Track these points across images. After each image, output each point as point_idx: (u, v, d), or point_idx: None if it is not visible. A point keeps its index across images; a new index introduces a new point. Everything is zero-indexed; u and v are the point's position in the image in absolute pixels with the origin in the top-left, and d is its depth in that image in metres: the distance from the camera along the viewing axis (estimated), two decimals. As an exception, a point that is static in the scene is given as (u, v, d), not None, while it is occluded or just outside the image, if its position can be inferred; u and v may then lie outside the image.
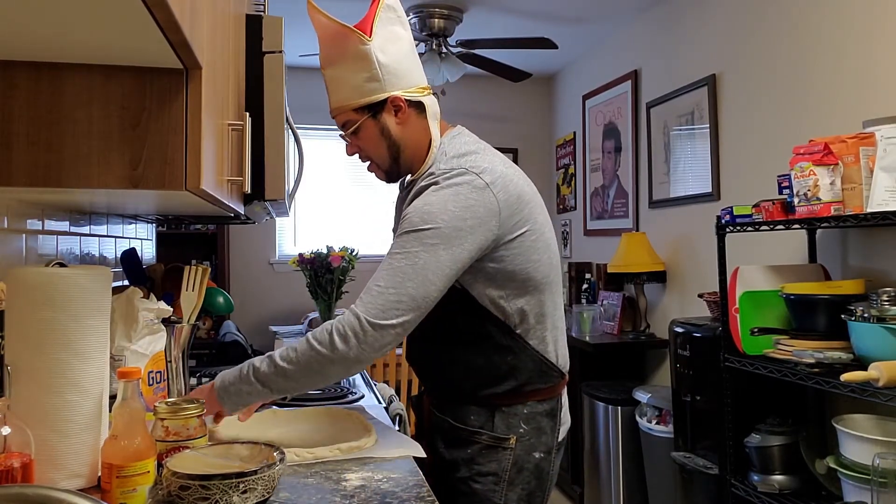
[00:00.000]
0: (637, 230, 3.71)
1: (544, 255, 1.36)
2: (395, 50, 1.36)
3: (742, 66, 2.86)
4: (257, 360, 1.24)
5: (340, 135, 1.43)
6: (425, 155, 1.39)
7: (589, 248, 4.33)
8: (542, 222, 1.37)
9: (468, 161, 1.31)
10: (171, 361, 1.43)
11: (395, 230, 1.47)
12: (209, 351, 3.70)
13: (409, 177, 1.44)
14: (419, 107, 1.39)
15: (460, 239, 1.23)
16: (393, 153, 1.39)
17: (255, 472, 1.00)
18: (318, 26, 1.37)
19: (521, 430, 1.36)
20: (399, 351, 3.35)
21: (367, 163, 1.43)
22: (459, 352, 1.36)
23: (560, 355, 1.42)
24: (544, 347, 1.37)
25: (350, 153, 1.44)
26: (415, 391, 3.19)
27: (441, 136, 1.41)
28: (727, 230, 2.32)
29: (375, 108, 1.35)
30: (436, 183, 1.29)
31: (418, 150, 1.39)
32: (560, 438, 1.42)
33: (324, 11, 1.35)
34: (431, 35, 3.63)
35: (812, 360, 1.87)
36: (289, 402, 1.73)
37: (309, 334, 1.23)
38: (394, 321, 1.19)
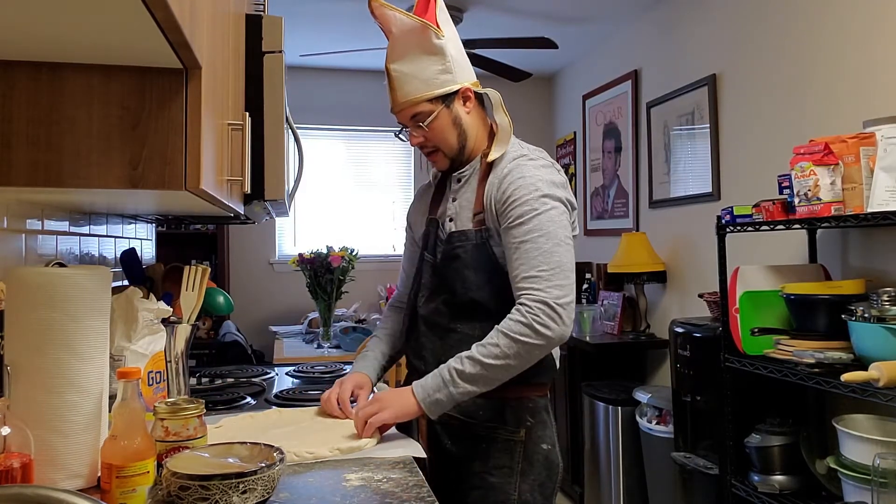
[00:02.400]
0: (637, 230, 3.71)
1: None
2: (457, 46, 1.47)
3: (742, 66, 2.86)
4: (455, 363, 1.31)
5: (398, 130, 1.54)
6: (486, 142, 1.50)
7: (589, 248, 4.33)
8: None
9: (547, 155, 1.48)
10: (170, 361, 1.43)
11: (433, 218, 1.55)
12: (209, 351, 3.71)
13: (474, 162, 1.52)
14: (479, 99, 1.51)
15: (567, 216, 1.40)
16: (461, 141, 1.49)
17: (255, 472, 1.00)
18: (393, 23, 1.44)
19: (529, 423, 1.42)
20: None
21: (431, 152, 1.51)
22: (475, 337, 1.39)
23: (557, 356, 1.49)
24: None
25: (415, 143, 1.50)
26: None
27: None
28: (727, 230, 2.32)
29: (448, 99, 1.45)
30: (532, 159, 1.42)
31: (480, 138, 1.51)
32: (556, 434, 1.49)
33: (398, 8, 1.43)
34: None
35: (812, 361, 1.87)
36: (289, 402, 1.73)
37: (505, 330, 1.31)
38: (571, 294, 1.32)
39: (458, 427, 1.42)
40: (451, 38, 1.45)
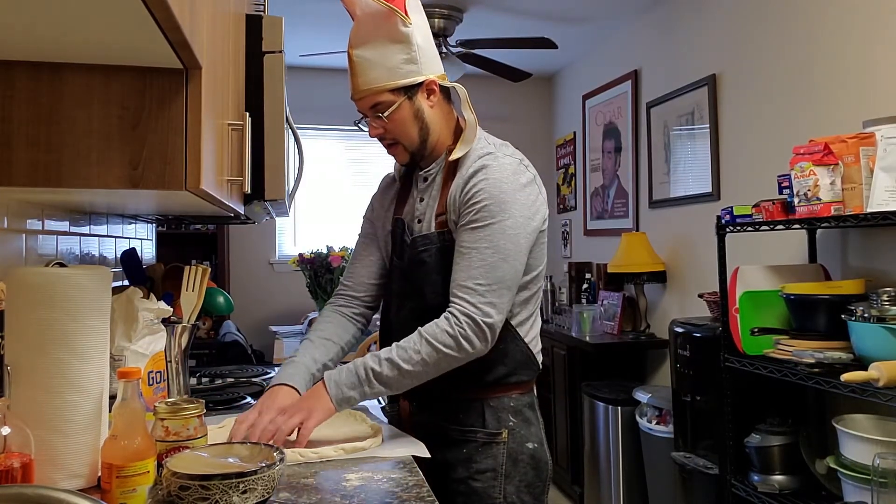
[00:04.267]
0: (637, 230, 3.71)
1: (545, 254, 1.46)
2: (425, 36, 1.41)
3: (742, 66, 2.86)
4: (372, 363, 1.29)
5: (358, 120, 1.47)
6: (451, 138, 1.45)
7: (589, 248, 4.33)
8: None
9: (514, 151, 1.43)
10: (171, 361, 1.43)
11: (399, 218, 1.49)
12: (209, 351, 3.71)
13: (440, 159, 1.46)
14: (445, 93, 1.44)
15: (530, 222, 1.36)
16: (423, 135, 1.42)
17: (255, 472, 1.00)
18: (358, 5, 1.37)
19: (511, 423, 1.40)
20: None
21: (390, 144, 1.45)
22: None
23: (538, 352, 1.48)
24: (529, 339, 1.43)
25: (374, 135, 1.45)
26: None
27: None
28: (727, 230, 2.32)
29: (411, 91, 1.39)
30: (498, 157, 1.38)
31: (445, 134, 1.45)
32: (543, 431, 1.47)
33: None
34: (431, 35, 3.63)
35: (812, 360, 1.87)
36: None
37: (430, 338, 1.29)
38: (501, 314, 1.31)
39: (440, 432, 1.39)
40: (419, 26, 1.38)
